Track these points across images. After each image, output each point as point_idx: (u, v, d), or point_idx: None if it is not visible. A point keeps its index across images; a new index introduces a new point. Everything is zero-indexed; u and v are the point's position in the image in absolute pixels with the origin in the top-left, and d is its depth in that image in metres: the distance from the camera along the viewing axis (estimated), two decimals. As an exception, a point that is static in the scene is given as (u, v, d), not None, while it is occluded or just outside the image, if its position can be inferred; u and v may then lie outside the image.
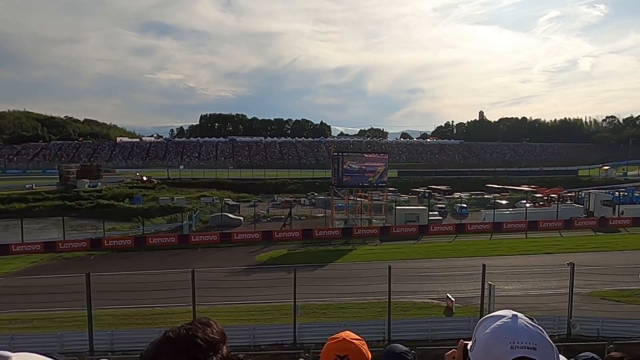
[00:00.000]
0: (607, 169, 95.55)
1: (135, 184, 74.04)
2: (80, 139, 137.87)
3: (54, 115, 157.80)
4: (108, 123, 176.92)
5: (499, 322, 1.52)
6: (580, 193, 57.82)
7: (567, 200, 56.87)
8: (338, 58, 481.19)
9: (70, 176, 74.60)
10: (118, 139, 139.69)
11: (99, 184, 74.08)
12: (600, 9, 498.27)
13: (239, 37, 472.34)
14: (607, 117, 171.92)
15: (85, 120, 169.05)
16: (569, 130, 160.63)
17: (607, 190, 57.84)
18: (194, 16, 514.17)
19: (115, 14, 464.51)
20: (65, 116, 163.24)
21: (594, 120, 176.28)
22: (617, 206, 48.58)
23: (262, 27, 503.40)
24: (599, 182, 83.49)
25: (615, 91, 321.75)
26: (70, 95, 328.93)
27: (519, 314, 1.55)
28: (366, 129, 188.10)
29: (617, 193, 53.76)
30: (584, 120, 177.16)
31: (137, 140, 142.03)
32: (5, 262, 33.93)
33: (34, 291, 21.38)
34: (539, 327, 1.53)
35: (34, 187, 70.36)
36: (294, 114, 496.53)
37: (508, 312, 1.57)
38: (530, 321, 1.53)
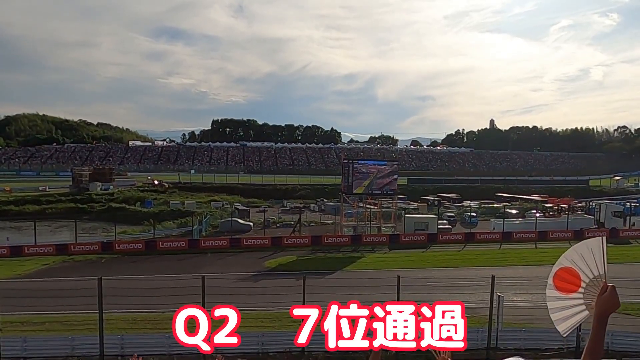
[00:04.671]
0: (618, 180, 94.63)
1: (146, 188, 74.52)
2: (94, 142, 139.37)
3: (68, 118, 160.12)
4: (121, 127, 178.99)
5: None
6: (590, 203, 57.41)
7: (577, 211, 56.48)
8: (348, 64, 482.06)
9: (83, 179, 75.33)
10: (130, 142, 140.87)
11: (111, 187, 74.53)
12: (613, 18, 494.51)
13: (250, 43, 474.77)
14: (618, 127, 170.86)
15: (99, 123, 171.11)
16: (580, 140, 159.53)
17: (618, 201, 57.38)
18: (206, 22, 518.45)
19: (129, 18, 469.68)
20: (79, 119, 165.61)
21: (606, 130, 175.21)
22: (628, 217, 48.16)
23: (273, 33, 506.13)
24: (610, 192, 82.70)
25: (628, 101, 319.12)
26: (84, 98, 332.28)
27: None
28: (376, 136, 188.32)
29: (628, 204, 53.30)
30: (595, 129, 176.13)
31: (149, 144, 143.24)
32: (18, 263, 34.35)
33: (46, 294, 21.68)
34: None
35: (47, 190, 71.05)
36: (304, 119, 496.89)
37: None
38: None
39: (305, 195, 75.67)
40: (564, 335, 2.27)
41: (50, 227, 49.82)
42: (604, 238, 2.17)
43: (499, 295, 18.55)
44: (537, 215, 51.77)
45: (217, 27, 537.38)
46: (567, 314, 2.22)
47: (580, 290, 2.16)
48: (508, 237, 42.99)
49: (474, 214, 54.70)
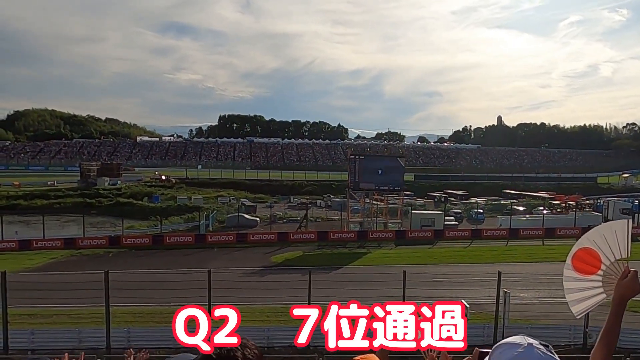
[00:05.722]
0: (626, 177, 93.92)
1: (154, 183, 74.75)
2: (102, 137, 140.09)
3: (76, 113, 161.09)
4: (129, 122, 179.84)
5: (514, 352, 1.59)
6: (598, 200, 57.06)
7: (585, 208, 56.16)
8: (355, 60, 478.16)
9: (91, 174, 75.80)
10: (138, 138, 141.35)
11: (119, 182, 75.00)
12: (623, 14, 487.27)
13: (256, 38, 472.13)
14: (627, 124, 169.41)
15: (107, 119, 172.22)
16: (588, 137, 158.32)
17: (626, 198, 57.01)
18: (213, 17, 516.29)
19: (135, 13, 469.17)
20: (87, 115, 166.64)
21: (614, 126, 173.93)
22: (636, 214, 47.81)
23: (280, 29, 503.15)
24: (618, 189, 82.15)
25: (637, 97, 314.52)
26: (91, 93, 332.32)
27: (534, 342, 1.60)
28: (383, 132, 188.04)
29: (636, 201, 52.90)
30: (604, 126, 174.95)
31: (157, 139, 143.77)
32: (27, 257, 34.67)
33: (54, 287, 21.83)
34: (554, 355, 1.61)
35: (55, 184, 71.45)
36: (311, 115, 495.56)
37: (523, 341, 1.62)
38: (544, 349, 1.59)
39: (312, 191, 75.74)
40: (578, 317, 2.25)
41: (59, 222, 50.19)
42: (630, 221, 2.14)
43: (506, 292, 18.48)
44: (545, 212, 51.51)
45: (224, 23, 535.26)
46: (583, 295, 2.17)
47: (600, 272, 2.12)
48: (515, 234, 42.84)
49: (481, 211, 54.50)
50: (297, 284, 20.82)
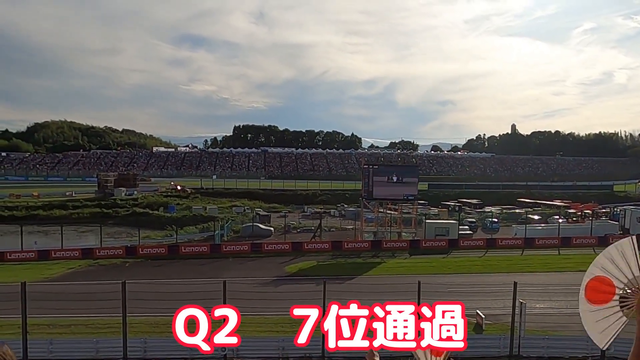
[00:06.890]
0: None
1: (169, 193, 75.63)
2: (119, 148, 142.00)
3: (93, 124, 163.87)
4: (145, 133, 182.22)
5: None
6: (615, 209, 56.30)
7: (601, 217, 55.41)
8: (368, 69, 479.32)
9: (108, 184, 76.76)
10: (154, 148, 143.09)
11: (135, 192, 75.84)
12: (637, 20, 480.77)
13: (270, 49, 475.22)
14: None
15: (124, 130, 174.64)
16: (603, 144, 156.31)
17: (643, 207, 56.15)
18: (227, 29, 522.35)
19: (152, 26, 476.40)
20: (105, 126, 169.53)
21: (630, 134, 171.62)
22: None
23: (293, 39, 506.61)
24: (635, 198, 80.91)
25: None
26: (108, 105, 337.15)
27: None
28: (396, 141, 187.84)
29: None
30: (619, 134, 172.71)
31: (172, 150, 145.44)
32: (46, 267, 35.18)
33: (72, 297, 22.13)
34: None
35: (73, 195, 72.75)
36: (324, 124, 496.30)
37: None
38: None
39: (326, 200, 75.85)
40: (604, 348, 2.19)
41: (76, 232, 50.91)
42: (634, 237, 2.09)
43: (522, 302, 18.37)
44: (560, 221, 50.96)
45: (238, 34, 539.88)
46: (604, 325, 2.12)
47: (616, 297, 2.07)
48: (530, 243, 42.39)
49: (496, 220, 54.09)
50: (311, 294, 20.79)
